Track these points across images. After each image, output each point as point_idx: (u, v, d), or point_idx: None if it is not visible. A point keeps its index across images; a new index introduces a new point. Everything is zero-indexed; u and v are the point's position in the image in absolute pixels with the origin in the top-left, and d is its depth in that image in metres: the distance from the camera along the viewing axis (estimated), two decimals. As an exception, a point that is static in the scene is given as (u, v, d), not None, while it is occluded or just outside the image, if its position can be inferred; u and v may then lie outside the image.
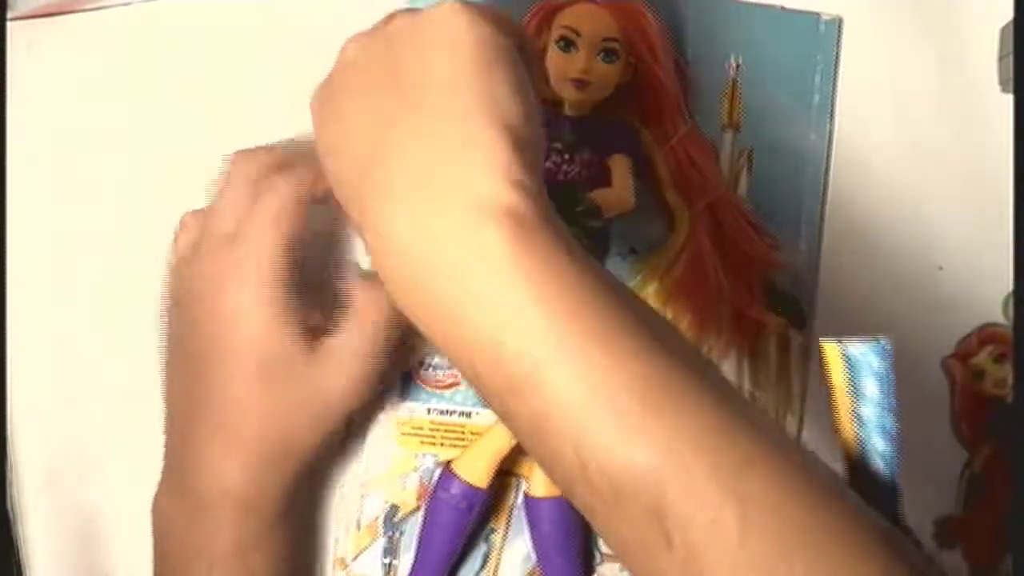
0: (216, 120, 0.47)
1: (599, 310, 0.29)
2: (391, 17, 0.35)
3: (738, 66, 0.49)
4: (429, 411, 0.47)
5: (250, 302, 0.38)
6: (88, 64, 0.47)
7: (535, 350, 0.28)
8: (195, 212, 0.42)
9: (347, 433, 0.44)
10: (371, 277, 0.39)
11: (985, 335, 0.50)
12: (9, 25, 0.46)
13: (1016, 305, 0.48)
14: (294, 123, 0.46)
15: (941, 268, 0.50)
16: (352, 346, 0.39)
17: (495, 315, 0.29)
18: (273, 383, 0.38)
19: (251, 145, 0.46)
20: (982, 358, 0.49)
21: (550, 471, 0.30)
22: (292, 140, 0.42)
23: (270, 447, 0.39)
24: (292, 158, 0.41)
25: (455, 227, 0.30)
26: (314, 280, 0.41)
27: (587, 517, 0.30)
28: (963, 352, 0.50)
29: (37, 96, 0.47)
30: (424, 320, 0.31)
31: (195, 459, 0.39)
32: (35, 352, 0.46)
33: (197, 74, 0.47)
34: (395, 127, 0.32)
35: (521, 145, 0.31)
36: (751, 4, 0.49)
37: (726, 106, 0.49)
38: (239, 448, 0.39)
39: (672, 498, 0.27)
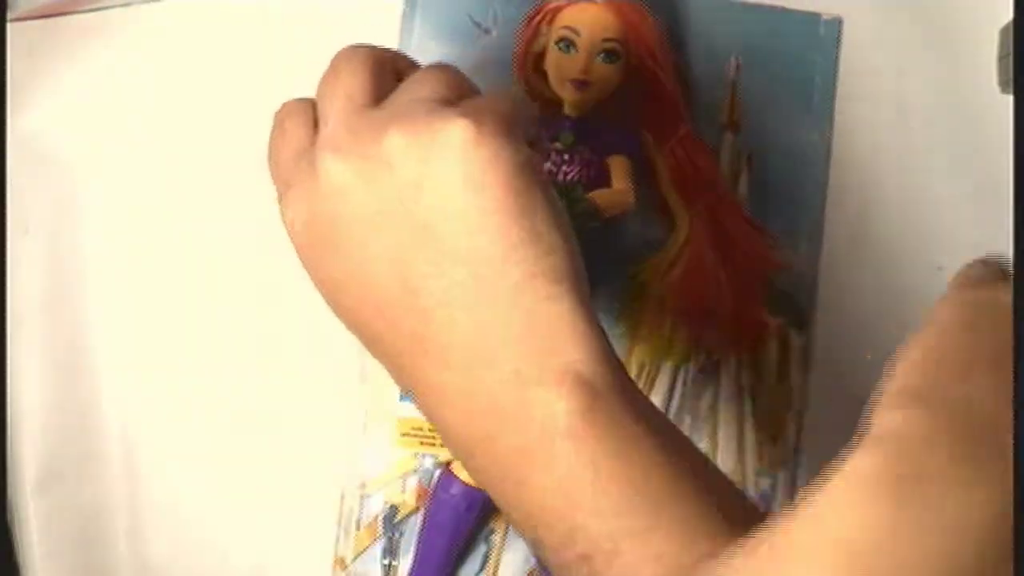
0: (216, 120, 0.47)
1: (668, 486, 0.28)
2: (377, 134, 0.29)
3: (738, 66, 0.49)
4: (429, 411, 0.47)
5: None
6: (88, 64, 0.47)
7: (603, 532, 0.28)
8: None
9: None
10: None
11: (985, 335, 0.50)
12: (9, 25, 0.46)
13: (1016, 305, 0.48)
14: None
15: (941, 268, 0.49)
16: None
17: (562, 488, 0.28)
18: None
19: (249, 144, 0.46)
20: (982, 358, 0.49)
21: None
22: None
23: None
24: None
25: (518, 394, 0.28)
26: None
27: None
28: (963, 352, 0.49)
29: (37, 96, 0.47)
30: (485, 478, 0.30)
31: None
32: (35, 352, 0.46)
33: (197, 74, 0.47)
34: (425, 274, 0.29)
35: (581, 290, 0.29)
36: (751, 4, 0.49)
37: (726, 106, 0.49)
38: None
39: None
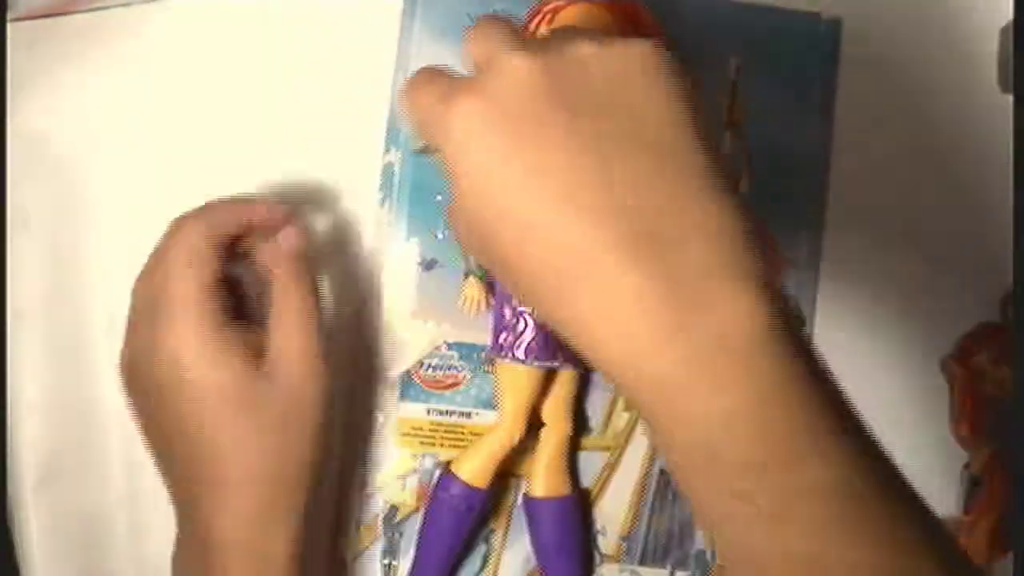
0: (216, 119, 0.47)
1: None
2: (568, 40, 0.31)
3: (738, 66, 0.49)
4: (429, 411, 0.47)
5: (186, 346, 0.38)
6: (88, 64, 0.47)
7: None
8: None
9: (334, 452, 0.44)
10: (280, 279, 0.41)
11: (984, 335, 0.50)
12: (9, 25, 0.46)
13: (1016, 305, 0.48)
14: (293, 122, 0.47)
15: (941, 268, 0.50)
16: (287, 354, 0.39)
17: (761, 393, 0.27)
18: (237, 413, 0.38)
19: (249, 144, 0.46)
20: (981, 358, 0.49)
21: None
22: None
23: (262, 483, 0.39)
24: (210, 205, 0.41)
25: (711, 286, 0.28)
26: (247, 301, 0.42)
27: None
28: (962, 352, 0.50)
29: (37, 96, 0.47)
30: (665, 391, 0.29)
31: (197, 514, 0.39)
32: (35, 351, 0.46)
33: (197, 74, 0.47)
34: (619, 156, 0.29)
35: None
36: (751, 4, 0.49)
37: (726, 106, 0.49)
38: (234, 488, 0.38)
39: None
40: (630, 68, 0.30)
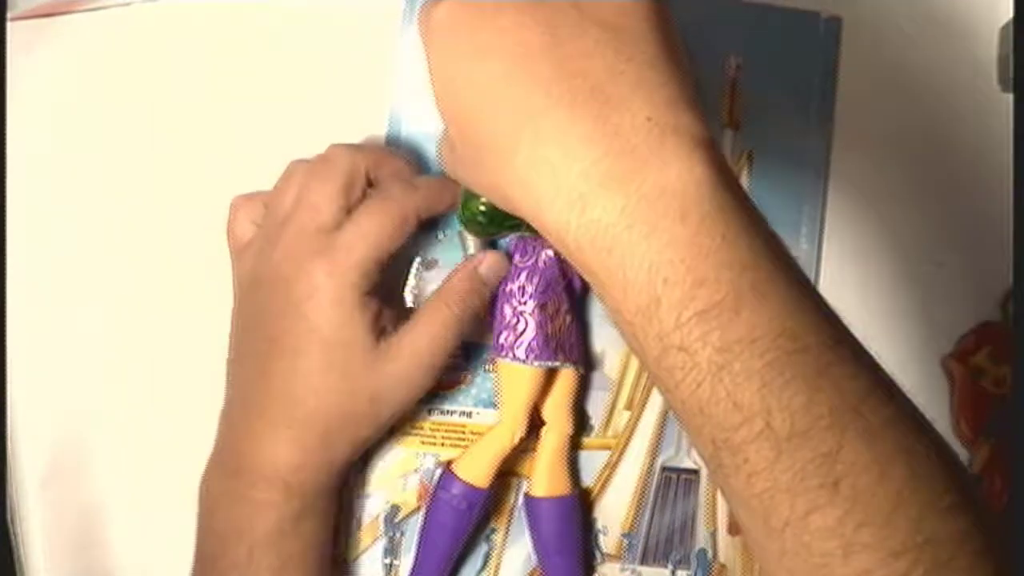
0: (216, 119, 0.47)
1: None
2: None
3: (738, 66, 0.49)
4: (430, 411, 0.47)
5: (332, 290, 0.40)
6: (88, 64, 0.47)
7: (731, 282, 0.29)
8: (249, 196, 0.44)
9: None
10: (440, 294, 0.43)
11: (984, 334, 0.50)
12: (9, 25, 0.46)
13: (1015, 304, 0.48)
14: (293, 122, 0.47)
15: (940, 266, 0.50)
16: (414, 348, 0.41)
17: (696, 239, 0.29)
18: (337, 368, 0.40)
19: (248, 144, 0.46)
20: (981, 357, 0.49)
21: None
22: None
23: (326, 430, 0.40)
24: (402, 168, 0.43)
25: (653, 140, 0.29)
26: (391, 285, 0.44)
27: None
28: (962, 351, 0.50)
29: (37, 96, 0.47)
30: (605, 233, 0.30)
31: (253, 439, 0.41)
32: (35, 351, 0.46)
33: (197, 74, 0.47)
34: (571, 35, 0.31)
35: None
36: (751, 4, 0.49)
37: (726, 106, 0.49)
38: (299, 428, 0.40)
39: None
40: None
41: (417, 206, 0.42)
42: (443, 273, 0.46)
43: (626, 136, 0.29)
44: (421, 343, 0.41)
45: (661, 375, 0.30)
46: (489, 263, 0.44)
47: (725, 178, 0.29)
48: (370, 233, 0.40)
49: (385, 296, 0.42)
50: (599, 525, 0.48)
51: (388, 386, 0.41)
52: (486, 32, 0.32)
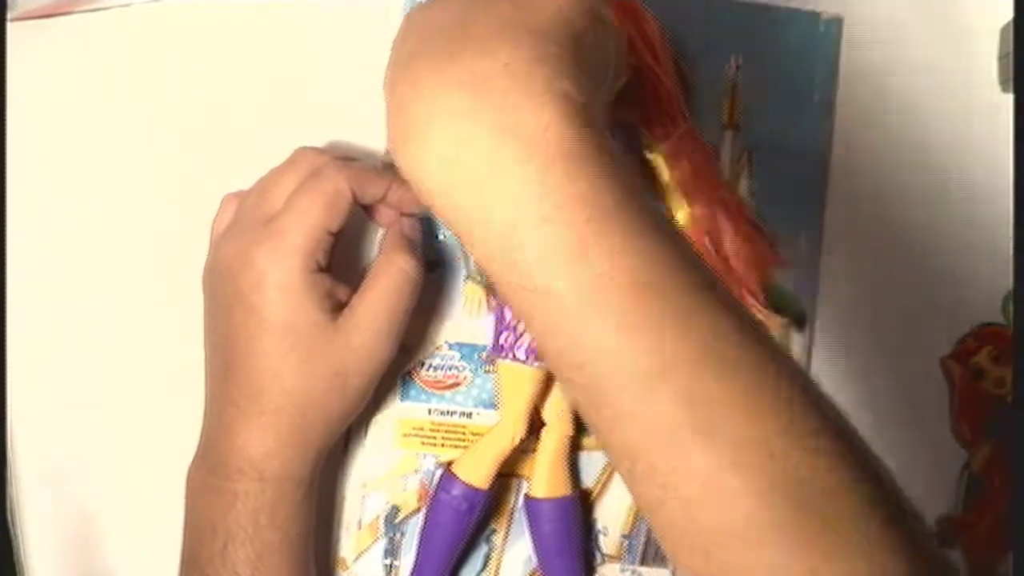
0: (216, 120, 0.47)
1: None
2: None
3: (738, 66, 0.49)
4: (430, 412, 0.47)
5: (276, 275, 0.40)
6: (88, 64, 0.47)
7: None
8: (237, 194, 0.44)
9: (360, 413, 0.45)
10: (388, 249, 0.42)
11: (984, 335, 0.50)
12: (9, 25, 0.46)
13: (1016, 304, 0.48)
14: (293, 122, 0.47)
15: (940, 267, 0.50)
16: (371, 315, 0.41)
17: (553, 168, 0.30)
18: (296, 351, 0.40)
19: (248, 144, 0.46)
20: (981, 358, 0.50)
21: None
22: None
23: (295, 413, 0.41)
24: (353, 160, 0.43)
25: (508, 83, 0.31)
26: (350, 259, 0.44)
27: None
28: (962, 352, 0.50)
29: (37, 96, 0.47)
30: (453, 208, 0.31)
31: (226, 431, 0.41)
32: (35, 352, 0.46)
33: (197, 74, 0.47)
34: (486, 9, 0.33)
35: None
36: (751, 4, 0.49)
37: (726, 106, 0.49)
38: (269, 415, 0.40)
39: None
40: None
41: (348, 179, 0.41)
42: (443, 274, 0.47)
43: (492, 90, 0.31)
44: (378, 308, 0.41)
45: (523, 317, 0.31)
46: (400, 197, 0.44)
47: (586, 131, 0.30)
48: (304, 212, 0.40)
49: (344, 271, 0.42)
50: (599, 526, 0.48)
51: (351, 359, 0.41)
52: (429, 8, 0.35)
